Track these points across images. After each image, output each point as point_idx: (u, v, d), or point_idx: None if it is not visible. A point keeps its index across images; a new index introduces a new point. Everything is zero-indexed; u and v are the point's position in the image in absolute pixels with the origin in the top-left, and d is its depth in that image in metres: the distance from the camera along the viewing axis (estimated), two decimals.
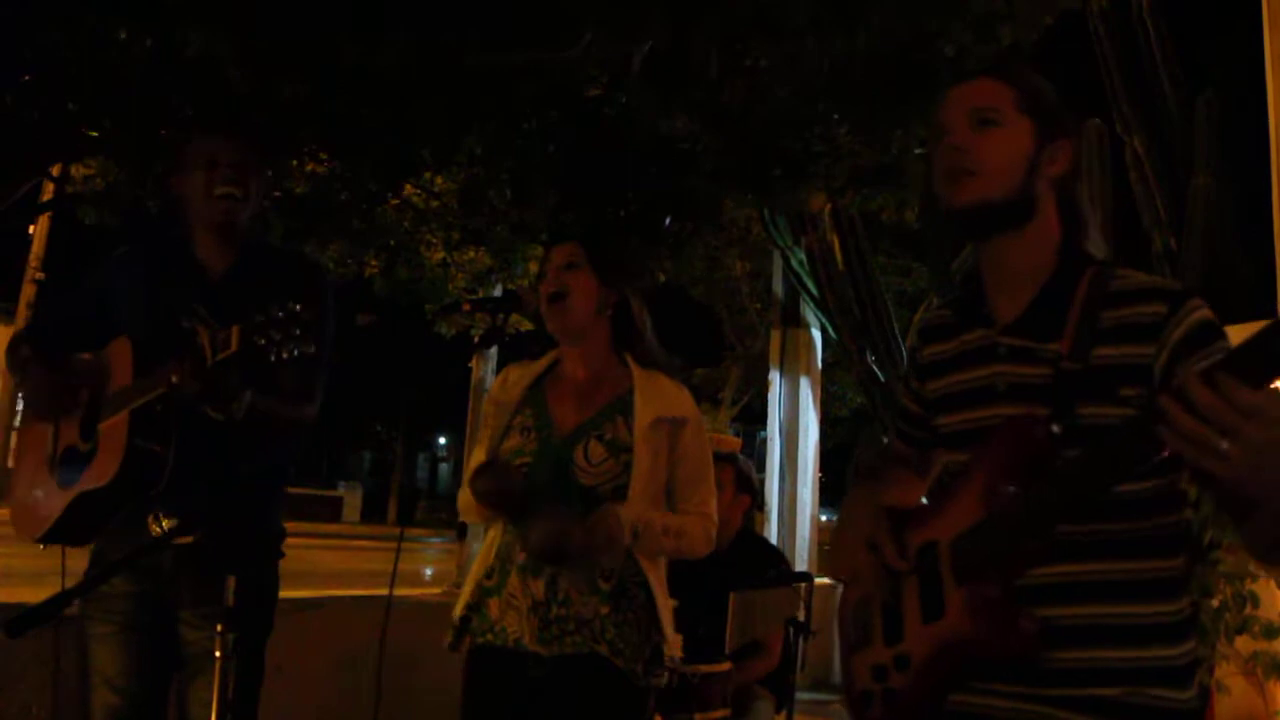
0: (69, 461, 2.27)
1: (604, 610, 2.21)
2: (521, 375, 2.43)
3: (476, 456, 2.40)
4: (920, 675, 1.50)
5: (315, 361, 2.34)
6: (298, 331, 1.89)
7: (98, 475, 2.17)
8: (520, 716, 2.23)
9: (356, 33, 4.29)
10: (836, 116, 5.48)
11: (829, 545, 1.77)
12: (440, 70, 4.61)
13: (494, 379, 2.49)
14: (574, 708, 2.20)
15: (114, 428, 2.17)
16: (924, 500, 1.75)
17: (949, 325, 1.68)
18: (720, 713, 3.38)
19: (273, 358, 1.90)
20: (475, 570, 2.37)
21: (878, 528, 1.59)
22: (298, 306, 1.88)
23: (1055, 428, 1.41)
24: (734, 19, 4.71)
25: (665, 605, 2.31)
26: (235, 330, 1.93)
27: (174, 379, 2.03)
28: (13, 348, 2.42)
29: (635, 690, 2.23)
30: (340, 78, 4.51)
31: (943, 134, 1.56)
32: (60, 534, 2.25)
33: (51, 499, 2.26)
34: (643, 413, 2.28)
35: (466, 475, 2.41)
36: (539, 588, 2.22)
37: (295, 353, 1.90)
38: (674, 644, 2.31)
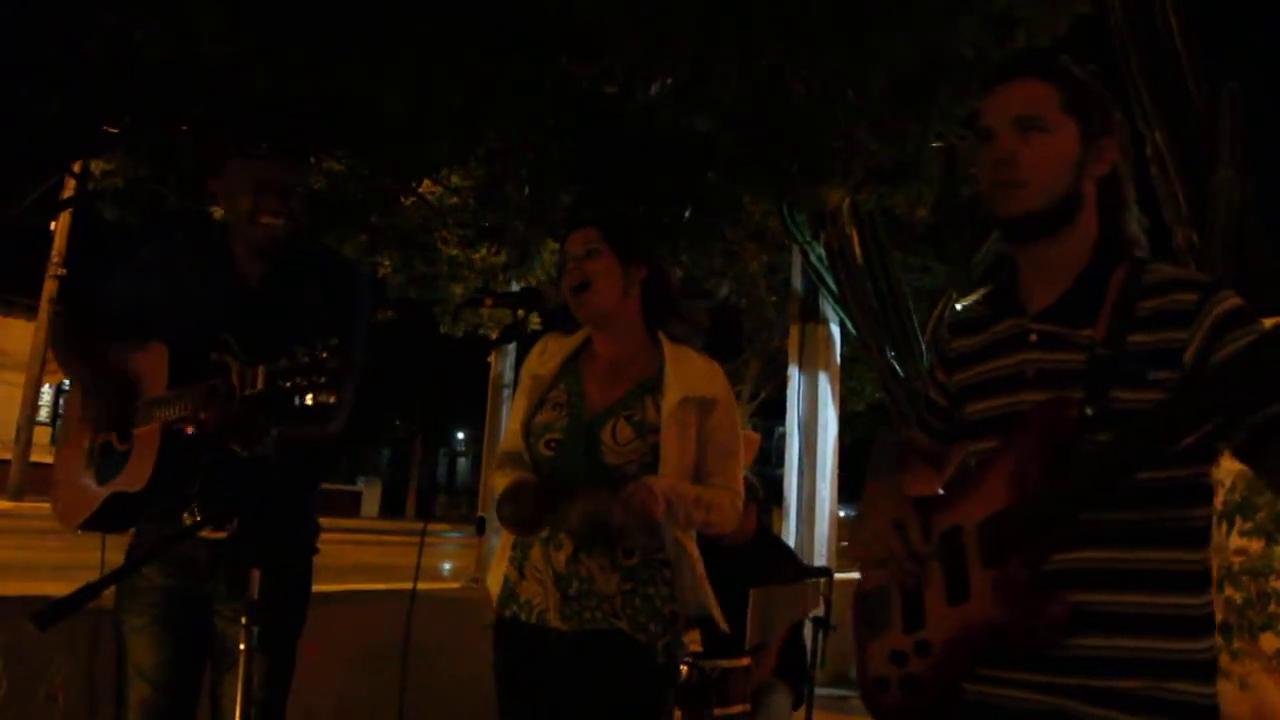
0: (106, 457, 2.30)
1: (626, 587, 2.23)
2: (560, 348, 2.44)
3: (510, 424, 2.44)
4: (942, 660, 1.50)
5: (343, 378, 2.37)
6: (322, 380, 1.89)
7: (132, 479, 2.20)
8: (547, 689, 2.26)
9: (377, 35, 4.32)
10: (854, 114, 5.48)
11: (850, 533, 1.77)
12: (459, 72, 4.63)
13: (531, 350, 2.50)
14: (595, 683, 2.22)
15: (148, 435, 2.20)
16: (945, 489, 1.75)
17: (979, 318, 1.68)
18: (740, 707, 3.39)
19: (296, 401, 1.91)
20: (501, 547, 2.40)
21: (903, 511, 1.59)
22: (324, 354, 1.88)
23: (1088, 410, 1.41)
24: (755, 48, 4.72)
25: (702, 575, 2.32)
26: (262, 371, 1.94)
27: (203, 417, 2.06)
28: (60, 334, 2.44)
29: (656, 667, 2.24)
30: (359, 78, 4.53)
31: (988, 139, 1.56)
32: (98, 525, 2.29)
33: (89, 492, 2.29)
34: (671, 393, 2.28)
35: (494, 460, 2.43)
36: (560, 560, 2.25)
37: (317, 401, 1.91)
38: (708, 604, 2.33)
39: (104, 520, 2.28)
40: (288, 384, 1.89)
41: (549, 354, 2.44)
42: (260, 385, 1.94)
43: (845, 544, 1.89)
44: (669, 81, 5.05)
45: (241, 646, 1.90)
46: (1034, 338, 1.55)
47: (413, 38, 4.49)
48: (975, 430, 1.62)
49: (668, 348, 2.37)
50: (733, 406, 2.39)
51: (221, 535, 1.95)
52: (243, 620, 1.90)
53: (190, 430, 2.11)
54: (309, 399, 1.90)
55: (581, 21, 4.61)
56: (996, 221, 1.57)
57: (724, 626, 2.41)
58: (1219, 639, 1.48)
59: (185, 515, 2.19)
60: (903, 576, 1.57)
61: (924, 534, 1.56)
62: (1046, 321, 1.54)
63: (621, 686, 2.23)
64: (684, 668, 3.16)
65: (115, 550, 2.31)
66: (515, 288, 7.98)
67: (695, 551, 2.34)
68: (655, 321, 2.42)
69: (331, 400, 1.91)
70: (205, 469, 2.16)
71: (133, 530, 2.35)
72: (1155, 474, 1.39)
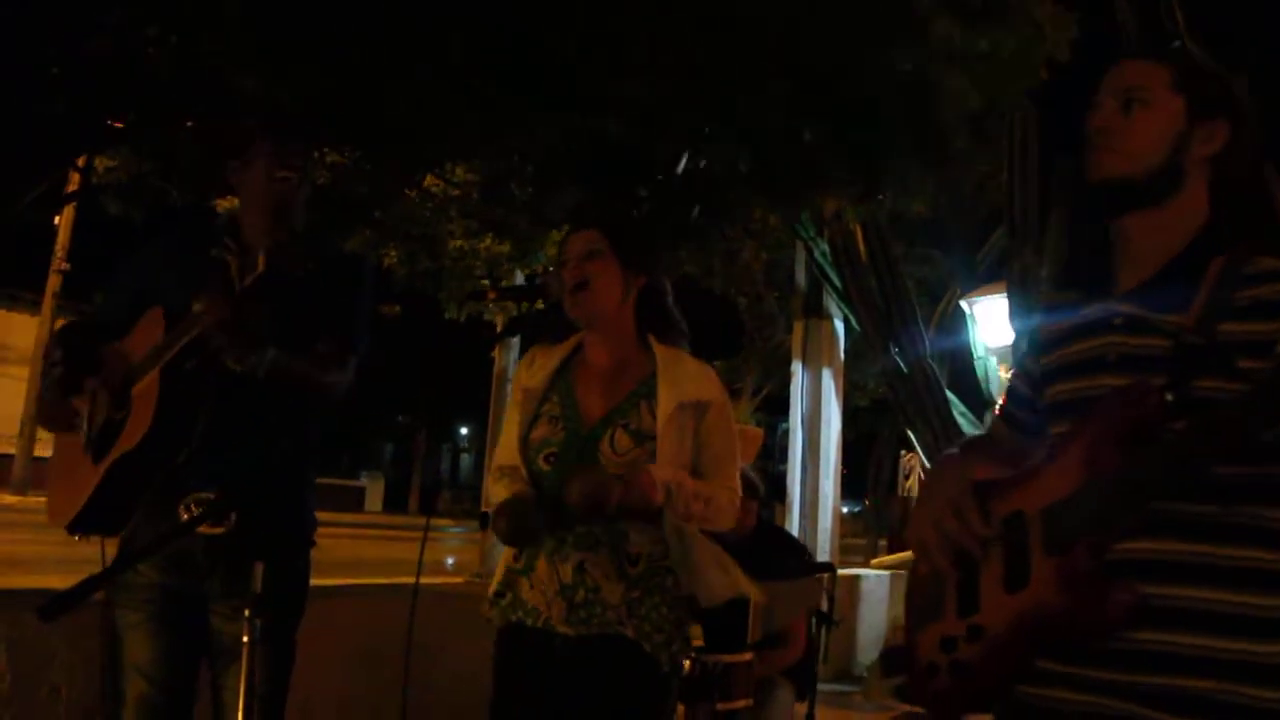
0: (105, 435, 2.28)
1: (633, 595, 2.21)
2: (548, 359, 2.41)
3: (504, 439, 2.41)
4: (995, 646, 1.46)
5: (349, 327, 2.39)
6: (313, 265, 1.93)
7: (130, 436, 2.18)
8: (548, 694, 2.24)
9: (376, 35, 4.32)
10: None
11: (909, 516, 1.74)
12: (464, 75, 4.64)
13: (519, 363, 2.49)
14: (599, 689, 2.21)
15: (146, 388, 2.19)
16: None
17: (1069, 301, 1.65)
18: (742, 702, 3.39)
19: (297, 274, 1.94)
20: (505, 553, 2.39)
21: (963, 494, 1.55)
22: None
23: (1169, 396, 1.36)
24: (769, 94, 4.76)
25: (712, 559, 2.31)
26: (262, 256, 1.95)
27: (199, 307, 2.06)
28: (53, 346, 2.43)
29: (660, 676, 2.23)
30: (363, 74, 4.53)
31: (1094, 110, 1.56)
32: (93, 514, 2.25)
33: (86, 477, 2.26)
34: (666, 399, 2.27)
35: (492, 462, 2.43)
36: (567, 572, 2.23)
37: (313, 271, 1.96)
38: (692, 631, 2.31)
39: (100, 507, 2.23)
40: (285, 258, 1.91)
41: (538, 365, 2.41)
42: (261, 268, 1.96)
43: (909, 522, 1.83)
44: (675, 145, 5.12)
45: (245, 639, 1.89)
46: (1119, 320, 1.51)
47: (414, 39, 4.49)
48: (1051, 414, 1.58)
49: (659, 351, 2.35)
50: (727, 407, 2.38)
51: (219, 531, 1.95)
52: (245, 613, 1.89)
53: (190, 364, 2.11)
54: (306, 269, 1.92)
55: (593, 75, 4.63)
56: (1091, 190, 1.56)
57: (756, 596, 2.39)
58: None
59: (181, 509, 2.18)
60: (954, 565, 1.54)
61: (983, 518, 1.52)
62: (1134, 304, 1.50)
63: (625, 693, 2.21)
64: (686, 662, 3.16)
65: (115, 544, 2.31)
66: (520, 279, 7.98)
67: (717, 548, 2.32)
68: (647, 328, 2.40)
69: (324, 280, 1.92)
70: (203, 424, 2.15)
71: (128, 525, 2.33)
72: (1236, 469, 1.34)
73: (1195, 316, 1.42)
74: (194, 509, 2.14)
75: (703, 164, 5.81)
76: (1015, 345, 7.00)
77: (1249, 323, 1.39)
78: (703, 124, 5.35)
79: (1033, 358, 1.69)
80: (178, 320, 2.18)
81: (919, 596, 1.64)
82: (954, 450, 1.80)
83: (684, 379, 2.31)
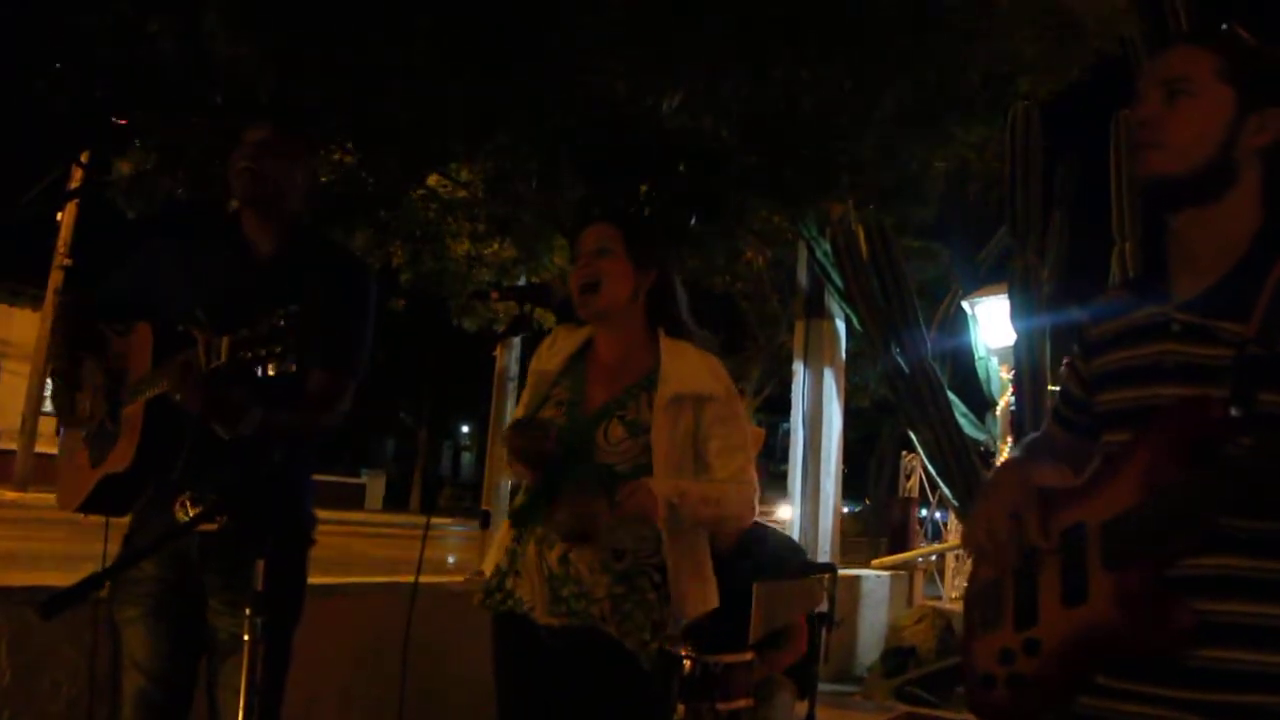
0: (100, 438, 2.31)
1: (617, 590, 2.22)
2: (567, 343, 2.43)
3: (518, 414, 2.44)
4: (1052, 661, 1.43)
5: (347, 352, 2.37)
6: (279, 350, 1.88)
7: (119, 459, 2.21)
8: (539, 682, 2.27)
9: (388, 34, 4.33)
10: (861, 128, 5.50)
11: (967, 515, 1.71)
12: (466, 78, 4.64)
13: (542, 342, 2.49)
14: (580, 682, 2.22)
15: (133, 414, 2.21)
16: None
17: (1122, 302, 1.58)
18: (743, 702, 3.39)
19: (259, 373, 1.91)
20: (500, 537, 2.40)
21: (1025, 500, 1.51)
22: (282, 323, 1.88)
23: (1234, 410, 1.32)
24: (767, 56, 4.73)
25: (706, 578, 2.31)
26: (226, 342, 1.94)
27: (176, 396, 2.05)
28: (54, 330, 2.47)
29: (642, 672, 2.22)
30: (370, 74, 4.53)
31: (1137, 103, 1.49)
32: (94, 507, 2.30)
33: (85, 475, 2.30)
34: (663, 389, 2.27)
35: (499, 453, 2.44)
36: (553, 560, 2.24)
37: (280, 369, 1.90)
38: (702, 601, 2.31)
39: (99, 504, 2.28)
40: (248, 354, 1.89)
41: (557, 348, 2.43)
42: (224, 357, 1.94)
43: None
44: (678, 95, 5.08)
45: (245, 638, 1.89)
46: (1176, 327, 1.45)
47: (419, 39, 4.50)
48: (1106, 421, 1.53)
49: (665, 344, 2.36)
50: (734, 400, 2.37)
51: (211, 527, 1.95)
52: (247, 612, 1.89)
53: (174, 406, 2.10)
54: (270, 369, 1.88)
55: (590, 41, 4.63)
56: (1139, 188, 1.50)
57: (703, 620, 2.38)
58: None
59: (177, 508, 2.18)
60: (1012, 573, 1.51)
61: (1042, 528, 1.48)
62: (1192, 311, 1.44)
63: (605, 690, 2.22)
64: (687, 662, 3.16)
65: (117, 541, 2.32)
66: (524, 281, 7.98)
67: (704, 554, 2.31)
68: (657, 323, 2.40)
69: (291, 369, 1.90)
70: (189, 448, 2.15)
71: (130, 518, 2.35)
72: None
73: (1257, 326, 1.36)
74: (189, 506, 2.14)
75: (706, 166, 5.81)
76: (1016, 346, 6.98)
77: None
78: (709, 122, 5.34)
79: (1084, 359, 1.64)
80: (169, 333, 2.18)
81: (978, 603, 1.60)
82: (1018, 453, 1.76)
83: (685, 372, 2.31)
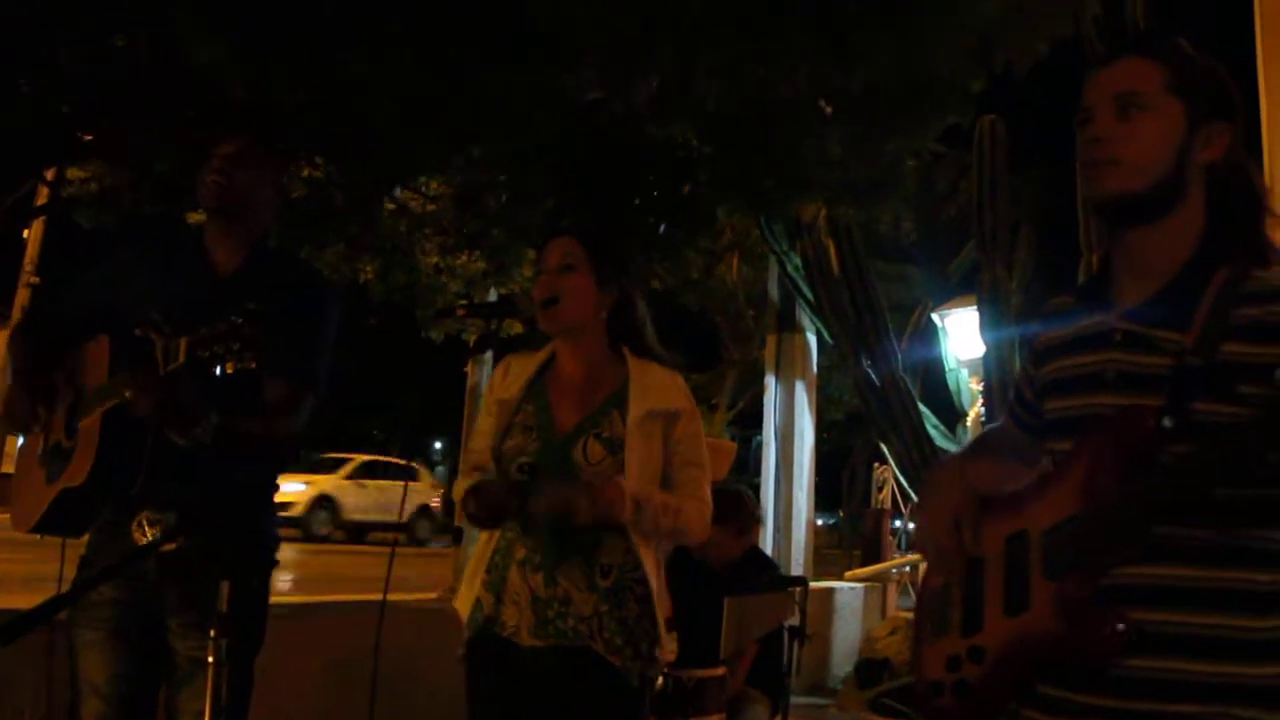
0: (56, 456, 2.28)
1: (603, 608, 2.22)
2: (523, 368, 2.41)
3: (474, 443, 2.40)
4: (995, 669, 1.44)
5: (307, 365, 2.35)
6: (237, 346, 1.87)
7: (75, 474, 2.17)
8: (519, 706, 2.24)
9: (359, 43, 4.31)
10: (830, 128, 5.52)
11: (914, 511, 1.72)
12: (440, 80, 4.63)
13: (494, 371, 2.48)
14: (567, 702, 2.21)
15: (90, 427, 2.18)
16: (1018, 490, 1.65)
17: (1067, 311, 1.58)
18: (716, 717, 3.39)
19: (218, 371, 1.89)
20: (472, 568, 2.37)
21: (966, 508, 1.53)
22: (240, 321, 1.87)
23: (1166, 421, 1.33)
24: (735, 53, 4.74)
25: (662, 600, 2.30)
26: (183, 343, 1.92)
27: (128, 394, 2.03)
28: (13, 340, 2.42)
29: (629, 689, 2.23)
30: (341, 86, 4.52)
31: (1086, 120, 1.47)
32: (49, 526, 2.26)
33: (40, 493, 2.27)
34: (635, 407, 2.27)
35: (462, 466, 2.42)
36: (538, 583, 2.23)
37: (238, 367, 1.89)
38: (668, 642, 2.30)
39: (55, 522, 2.24)
40: (206, 353, 1.87)
41: (512, 376, 2.41)
42: (182, 358, 1.92)
43: (915, 527, 1.77)
44: (651, 86, 5.05)
45: (210, 660, 1.86)
46: (1119, 337, 1.46)
47: (390, 43, 4.49)
48: (1051, 429, 1.54)
49: (632, 362, 2.36)
50: (696, 417, 2.38)
51: (171, 547, 1.92)
52: (211, 633, 1.87)
53: (130, 414, 2.07)
54: (229, 368, 1.87)
55: (559, 28, 4.62)
56: (1090, 203, 1.48)
57: (673, 651, 2.38)
58: None
59: (134, 529, 2.15)
60: (959, 581, 1.52)
61: (977, 537, 1.50)
62: (1134, 320, 1.44)
63: (592, 708, 2.21)
64: (659, 678, 3.15)
65: (74, 564, 2.28)
66: (494, 296, 7.96)
67: (653, 571, 2.29)
68: (620, 339, 2.40)
69: (251, 366, 1.89)
70: (148, 460, 2.12)
71: (86, 539, 2.31)
72: (1236, 491, 1.31)
73: (1195, 336, 1.36)
74: (146, 527, 2.12)
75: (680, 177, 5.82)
76: (985, 357, 7.03)
77: (1249, 344, 1.34)
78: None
79: (1034, 365, 1.65)
80: (126, 346, 2.15)
81: (929, 610, 1.61)
82: (963, 449, 1.77)
83: (654, 388, 2.32)
